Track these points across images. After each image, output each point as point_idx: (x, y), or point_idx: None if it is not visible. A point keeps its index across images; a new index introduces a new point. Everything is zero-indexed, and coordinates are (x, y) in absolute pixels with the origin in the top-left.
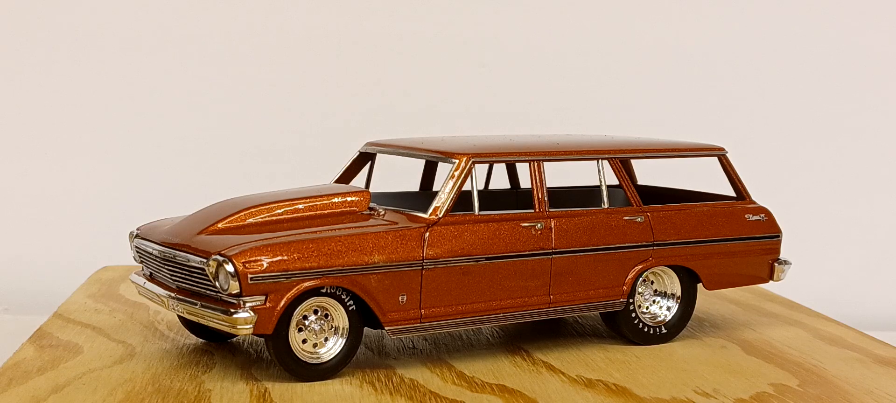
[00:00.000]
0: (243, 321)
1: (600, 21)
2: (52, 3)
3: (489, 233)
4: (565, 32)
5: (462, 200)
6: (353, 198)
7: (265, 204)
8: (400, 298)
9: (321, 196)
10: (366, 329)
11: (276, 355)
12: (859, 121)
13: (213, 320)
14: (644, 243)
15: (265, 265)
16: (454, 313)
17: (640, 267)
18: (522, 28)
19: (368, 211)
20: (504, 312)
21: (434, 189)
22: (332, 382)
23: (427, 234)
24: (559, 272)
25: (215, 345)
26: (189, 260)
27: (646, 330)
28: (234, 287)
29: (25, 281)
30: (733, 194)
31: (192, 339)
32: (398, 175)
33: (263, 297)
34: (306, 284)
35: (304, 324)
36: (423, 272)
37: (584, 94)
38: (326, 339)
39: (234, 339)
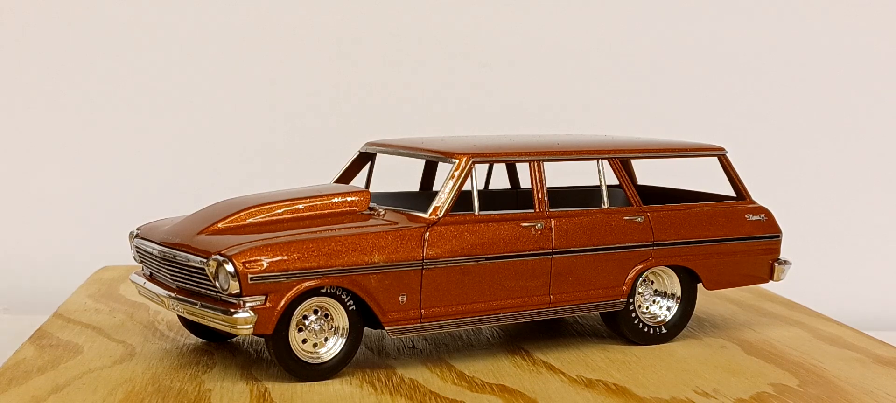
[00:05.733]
0: (243, 321)
1: (600, 21)
2: (52, 3)
3: (489, 233)
4: (565, 32)
5: (462, 200)
6: (353, 198)
7: (265, 204)
8: (400, 298)
9: (321, 196)
10: (366, 329)
11: (276, 355)
12: (859, 121)
13: (213, 320)
14: (644, 243)
15: (265, 265)
16: (454, 313)
17: (640, 267)
18: (522, 28)
19: (368, 211)
20: (504, 312)
21: (434, 189)
22: (332, 382)
23: (427, 234)
24: (559, 272)
25: (215, 345)
26: (189, 260)
27: (646, 329)
28: (234, 287)
29: (25, 281)
30: (733, 194)
31: (192, 339)
32: (398, 175)
33: (263, 297)
34: (306, 284)
35: (304, 324)
36: (423, 272)
37: (584, 94)
38: (326, 339)
39: (234, 339)
